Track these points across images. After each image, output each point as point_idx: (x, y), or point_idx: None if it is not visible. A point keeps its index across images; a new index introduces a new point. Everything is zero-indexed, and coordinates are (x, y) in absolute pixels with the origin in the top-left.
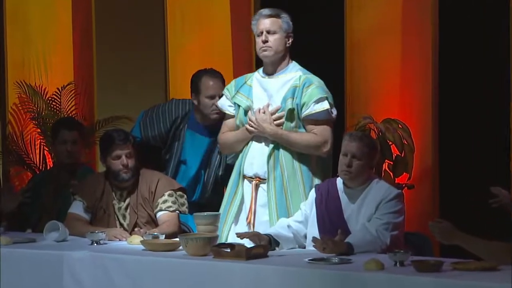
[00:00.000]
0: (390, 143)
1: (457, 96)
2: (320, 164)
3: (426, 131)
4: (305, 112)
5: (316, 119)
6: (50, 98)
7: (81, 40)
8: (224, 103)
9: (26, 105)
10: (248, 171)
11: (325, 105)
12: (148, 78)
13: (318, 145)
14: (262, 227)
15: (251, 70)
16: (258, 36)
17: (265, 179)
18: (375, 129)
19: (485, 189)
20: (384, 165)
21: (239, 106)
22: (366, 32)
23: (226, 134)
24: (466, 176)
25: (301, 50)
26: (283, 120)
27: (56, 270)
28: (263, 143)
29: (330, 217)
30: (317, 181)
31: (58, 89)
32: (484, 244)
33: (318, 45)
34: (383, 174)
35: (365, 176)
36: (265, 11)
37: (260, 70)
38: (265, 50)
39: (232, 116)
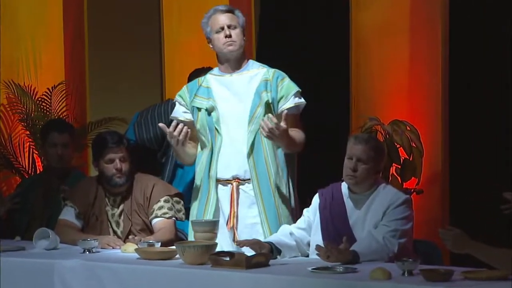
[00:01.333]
0: (397, 146)
1: (469, 96)
2: (289, 162)
3: (435, 134)
4: (284, 105)
5: (294, 114)
6: (40, 99)
7: (73, 37)
8: (178, 110)
9: (14, 106)
10: (224, 174)
11: (302, 100)
12: (143, 78)
13: (303, 142)
14: (247, 231)
15: None
16: (218, 32)
17: (245, 180)
18: (382, 131)
19: (497, 194)
20: (391, 169)
21: (199, 109)
22: (373, 30)
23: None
24: (477, 181)
25: (304, 49)
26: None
27: (47, 280)
28: (238, 144)
29: (335, 224)
30: (290, 180)
31: (48, 89)
32: (497, 252)
33: (322, 44)
34: (390, 178)
35: (371, 180)
36: (221, 7)
37: (214, 70)
38: (230, 45)
39: (189, 123)
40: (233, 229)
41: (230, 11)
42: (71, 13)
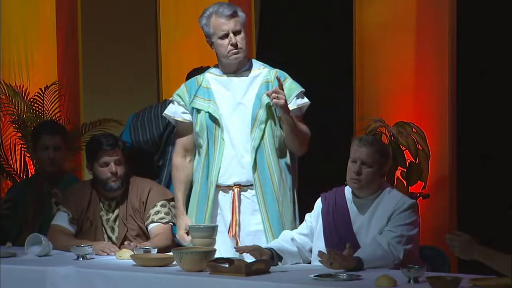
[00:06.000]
0: (403, 148)
1: (477, 97)
2: (295, 173)
3: (442, 136)
4: (289, 107)
5: (298, 114)
6: (32, 99)
7: (66, 36)
8: (177, 111)
9: (5, 107)
10: (225, 180)
11: (306, 100)
12: (139, 78)
13: (308, 139)
14: (249, 238)
15: None
16: (222, 38)
17: (247, 186)
18: (387, 133)
19: (506, 198)
20: (396, 172)
21: (198, 111)
22: (377, 27)
23: (177, 169)
24: (486, 185)
25: (306, 48)
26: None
27: None
28: (239, 149)
29: (338, 230)
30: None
31: (40, 89)
32: (507, 259)
33: (325, 42)
34: (395, 182)
35: (376, 184)
36: (225, 10)
37: (213, 70)
38: (237, 53)
39: (187, 124)
40: (235, 237)
41: (235, 14)
42: (64, 11)
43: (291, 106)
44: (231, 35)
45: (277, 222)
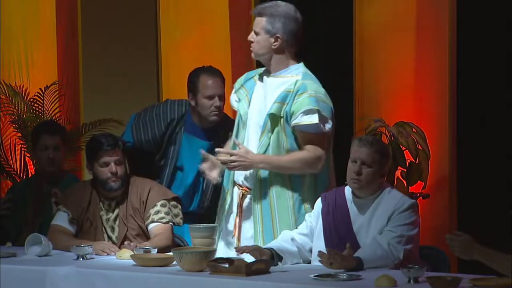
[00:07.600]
0: (403, 148)
1: (477, 97)
2: (313, 188)
3: (442, 136)
4: (293, 122)
5: (305, 131)
6: (32, 99)
7: (66, 36)
8: (232, 98)
9: (5, 107)
10: (238, 177)
11: (313, 119)
12: (139, 78)
13: (310, 162)
14: (245, 243)
15: (250, 69)
16: None
17: (251, 190)
18: (387, 133)
19: (507, 199)
20: (396, 172)
21: (240, 100)
22: (377, 27)
23: None
24: (486, 185)
25: (306, 48)
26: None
27: None
28: (251, 150)
29: (338, 230)
30: (307, 206)
31: (40, 89)
32: (507, 259)
33: (325, 42)
34: (395, 182)
35: (376, 184)
36: (257, 7)
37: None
38: (251, 51)
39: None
40: (236, 239)
41: (260, 14)
42: (64, 11)
43: (296, 121)
44: (252, 32)
45: (269, 232)
